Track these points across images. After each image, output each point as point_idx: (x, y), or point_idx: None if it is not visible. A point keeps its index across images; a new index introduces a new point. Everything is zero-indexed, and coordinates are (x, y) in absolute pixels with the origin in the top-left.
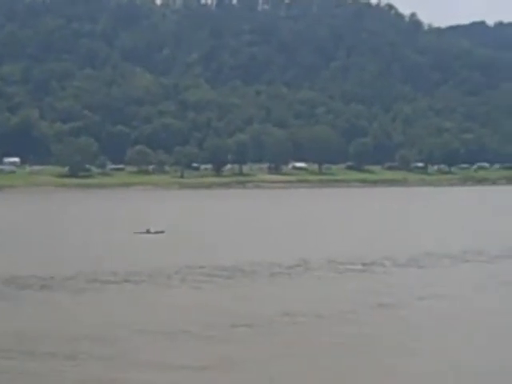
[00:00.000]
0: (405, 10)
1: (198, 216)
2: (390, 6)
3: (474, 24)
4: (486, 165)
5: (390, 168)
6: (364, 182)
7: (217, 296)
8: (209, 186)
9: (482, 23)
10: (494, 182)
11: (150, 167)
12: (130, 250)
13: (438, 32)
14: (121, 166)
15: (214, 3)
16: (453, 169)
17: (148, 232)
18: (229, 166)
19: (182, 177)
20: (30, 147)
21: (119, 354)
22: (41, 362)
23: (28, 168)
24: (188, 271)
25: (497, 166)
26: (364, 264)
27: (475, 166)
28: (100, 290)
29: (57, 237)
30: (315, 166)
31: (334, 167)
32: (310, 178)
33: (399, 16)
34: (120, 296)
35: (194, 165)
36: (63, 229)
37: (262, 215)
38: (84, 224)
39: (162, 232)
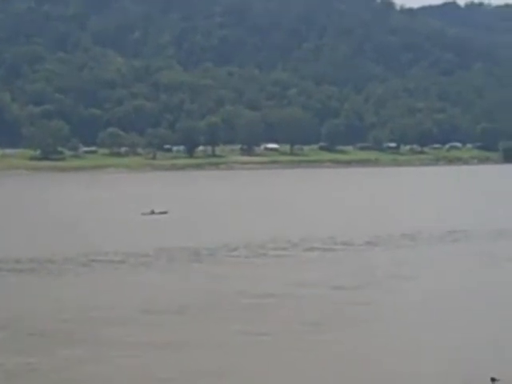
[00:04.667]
0: None
1: (189, 197)
2: None
3: (445, 4)
4: (459, 144)
5: (363, 148)
6: (336, 162)
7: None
8: (181, 168)
9: (454, 3)
10: (466, 162)
11: (123, 149)
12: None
13: (410, 12)
14: (93, 149)
15: None
16: (425, 149)
17: (153, 213)
18: (201, 148)
19: (154, 158)
20: (1, 130)
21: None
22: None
23: (0, 151)
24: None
25: (469, 145)
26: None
27: (447, 146)
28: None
29: (76, 221)
30: (287, 147)
31: (306, 148)
32: (283, 158)
33: None
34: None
35: (167, 146)
36: (71, 212)
37: (251, 196)
38: (81, 207)
39: (165, 213)
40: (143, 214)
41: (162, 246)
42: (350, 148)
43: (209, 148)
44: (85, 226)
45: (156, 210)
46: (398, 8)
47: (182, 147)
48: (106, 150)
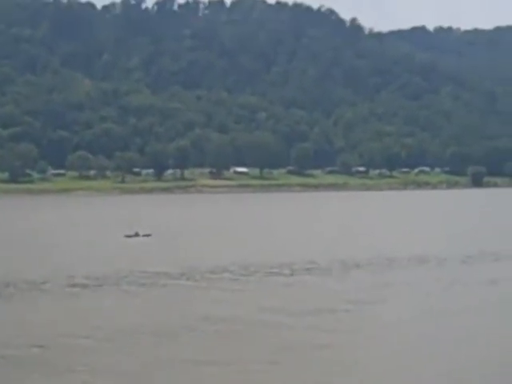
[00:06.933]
0: (346, 15)
1: (169, 220)
2: (331, 11)
3: (414, 29)
4: (427, 169)
5: (331, 172)
6: (305, 186)
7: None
8: (150, 191)
9: (422, 28)
10: (434, 186)
11: (91, 172)
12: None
13: (379, 37)
14: (62, 172)
15: (155, 8)
16: (394, 173)
17: (137, 235)
18: (170, 171)
19: (123, 182)
20: None
21: None
22: None
23: None
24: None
25: (437, 170)
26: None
27: (416, 170)
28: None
29: (59, 244)
30: (256, 171)
31: (275, 172)
32: (252, 182)
33: (340, 21)
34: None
35: (136, 170)
36: (51, 235)
37: (224, 221)
38: (60, 230)
39: (149, 235)
40: (127, 236)
41: (145, 268)
42: (318, 172)
43: (178, 171)
44: (68, 250)
45: (140, 233)
46: (366, 32)
47: (151, 170)
48: (74, 173)
